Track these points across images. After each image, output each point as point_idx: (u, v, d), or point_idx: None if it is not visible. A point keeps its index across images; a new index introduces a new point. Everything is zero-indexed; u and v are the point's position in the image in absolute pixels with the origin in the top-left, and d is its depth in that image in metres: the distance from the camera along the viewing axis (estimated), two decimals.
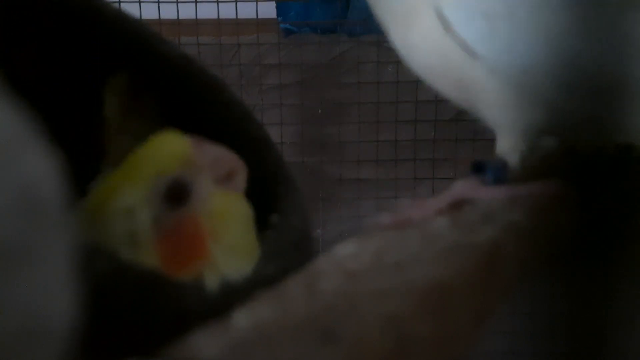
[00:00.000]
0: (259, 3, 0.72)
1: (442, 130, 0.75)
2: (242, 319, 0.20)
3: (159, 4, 0.70)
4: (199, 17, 0.72)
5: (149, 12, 0.69)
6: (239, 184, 0.26)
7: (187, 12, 0.72)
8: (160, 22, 0.69)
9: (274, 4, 0.78)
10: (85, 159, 0.26)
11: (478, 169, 0.34)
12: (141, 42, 0.30)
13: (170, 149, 0.24)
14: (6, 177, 0.11)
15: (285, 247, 0.27)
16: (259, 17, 0.73)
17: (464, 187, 0.32)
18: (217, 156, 0.25)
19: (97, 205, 0.24)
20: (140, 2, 0.69)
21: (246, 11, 0.73)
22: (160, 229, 0.23)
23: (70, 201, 0.13)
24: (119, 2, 0.68)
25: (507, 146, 0.34)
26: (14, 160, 0.12)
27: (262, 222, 0.28)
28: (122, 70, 0.30)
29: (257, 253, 0.25)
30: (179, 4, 0.71)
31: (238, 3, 0.71)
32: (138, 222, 0.23)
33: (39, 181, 0.12)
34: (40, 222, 0.12)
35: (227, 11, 0.72)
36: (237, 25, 0.72)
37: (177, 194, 0.23)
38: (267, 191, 0.30)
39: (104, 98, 0.29)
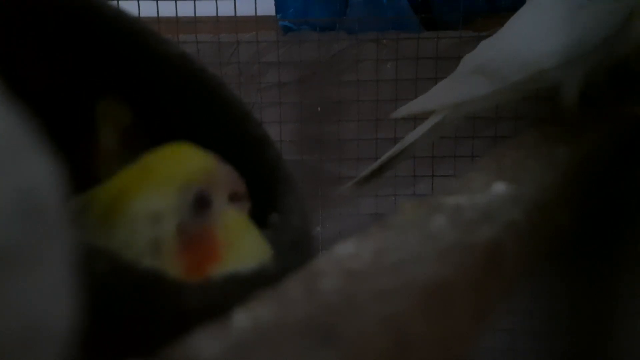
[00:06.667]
0: (257, 0, 0.72)
1: None
2: (242, 319, 0.20)
3: (157, 2, 0.70)
4: (197, 14, 0.72)
5: (147, 10, 0.69)
6: (244, 205, 0.27)
7: (185, 9, 0.72)
8: (158, 20, 0.69)
9: (272, 1, 0.77)
10: (82, 163, 0.26)
11: None
12: (140, 40, 0.30)
13: (197, 162, 0.26)
14: (5, 180, 0.11)
15: (285, 246, 0.27)
16: (258, 14, 0.73)
17: None
18: (228, 176, 0.26)
19: (108, 204, 0.24)
20: (138, 0, 0.69)
21: (245, 9, 0.72)
22: (184, 235, 0.24)
23: (70, 202, 0.13)
24: (117, 0, 0.67)
25: None
26: (14, 164, 0.12)
27: (261, 221, 0.28)
28: (115, 92, 0.30)
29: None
30: (178, 2, 0.71)
31: (237, 0, 0.71)
32: (164, 228, 0.24)
33: (38, 185, 0.12)
34: (40, 226, 0.12)
35: (225, 9, 0.72)
36: (236, 22, 0.72)
37: (201, 205, 0.25)
38: (266, 190, 0.30)
39: (97, 123, 0.30)
